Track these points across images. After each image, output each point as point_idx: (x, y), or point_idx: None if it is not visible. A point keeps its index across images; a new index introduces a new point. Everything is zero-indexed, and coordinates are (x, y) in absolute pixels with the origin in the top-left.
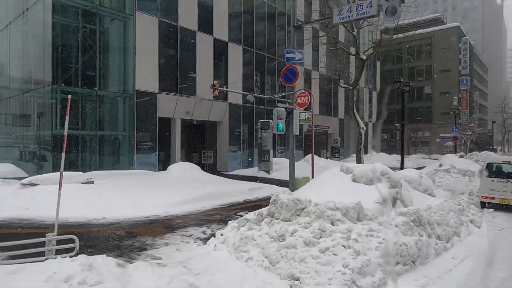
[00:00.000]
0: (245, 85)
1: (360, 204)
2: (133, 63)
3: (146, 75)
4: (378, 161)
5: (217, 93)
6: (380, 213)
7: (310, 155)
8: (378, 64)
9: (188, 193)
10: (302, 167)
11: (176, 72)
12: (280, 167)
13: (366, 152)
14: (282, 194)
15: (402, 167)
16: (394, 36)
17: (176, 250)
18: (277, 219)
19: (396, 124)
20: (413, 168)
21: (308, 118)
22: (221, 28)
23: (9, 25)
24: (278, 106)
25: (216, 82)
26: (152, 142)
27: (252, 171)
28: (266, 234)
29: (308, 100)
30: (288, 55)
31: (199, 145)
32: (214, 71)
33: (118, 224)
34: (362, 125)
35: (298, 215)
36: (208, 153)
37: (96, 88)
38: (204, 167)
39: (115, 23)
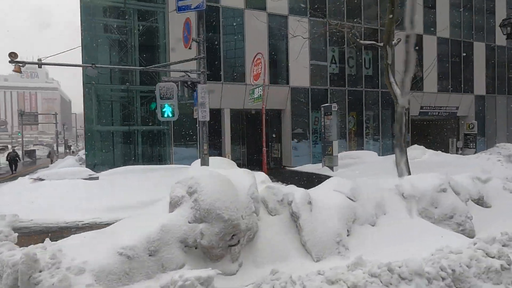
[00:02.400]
0: (314, 67)
1: None
2: (168, 54)
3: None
4: None
5: (18, 69)
6: None
7: (415, 145)
8: None
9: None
10: (380, 164)
11: (220, 58)
12: (357, 161)
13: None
14: None
15: None
16: None
17: None
18: None
19: None
20: None
21: (259, 96)
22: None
23: None
24: (163, 81)
25: (14, 52)
26: (192, 135)
27: (317, 167)
28: None
29: (261, 70)
30: (180, 3)
31: (261, 137)
32: (269, 52)
33: (19, 231)
34: (402, 101)
35: None
36: (275, 146)
37: (128, 84)
38: (268, 162)
39: (150, 15)
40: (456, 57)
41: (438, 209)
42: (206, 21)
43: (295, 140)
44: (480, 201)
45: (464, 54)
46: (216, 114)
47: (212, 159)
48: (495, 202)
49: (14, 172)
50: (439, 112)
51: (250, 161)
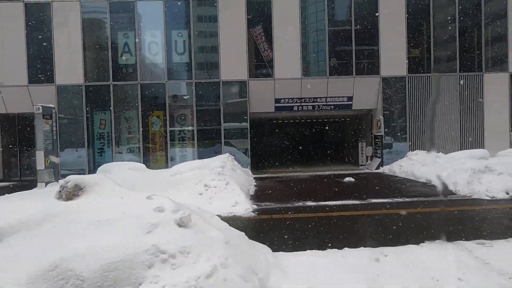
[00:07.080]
0: (92, 58)
1: None
2: None
3: None
4: None
5: None
6: None
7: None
8: None
9: None
10: None
11: None
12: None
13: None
14: None
15: None
16: None
17: None
18: None
19: None
20: None
21: None
22: None
23: None
24: None
25: None
26: None
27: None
28: None
29: None
30: None
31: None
32: (27, 44)
33: None
34: None
35: None
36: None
37: None
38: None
39: None
40: (341, 19)
41: None
42: None
43: (70, 149)
44: None
45: (369, 20)
46: None
47: None
48: None
49: None
50: (315, 106)
51: (24, 173)
